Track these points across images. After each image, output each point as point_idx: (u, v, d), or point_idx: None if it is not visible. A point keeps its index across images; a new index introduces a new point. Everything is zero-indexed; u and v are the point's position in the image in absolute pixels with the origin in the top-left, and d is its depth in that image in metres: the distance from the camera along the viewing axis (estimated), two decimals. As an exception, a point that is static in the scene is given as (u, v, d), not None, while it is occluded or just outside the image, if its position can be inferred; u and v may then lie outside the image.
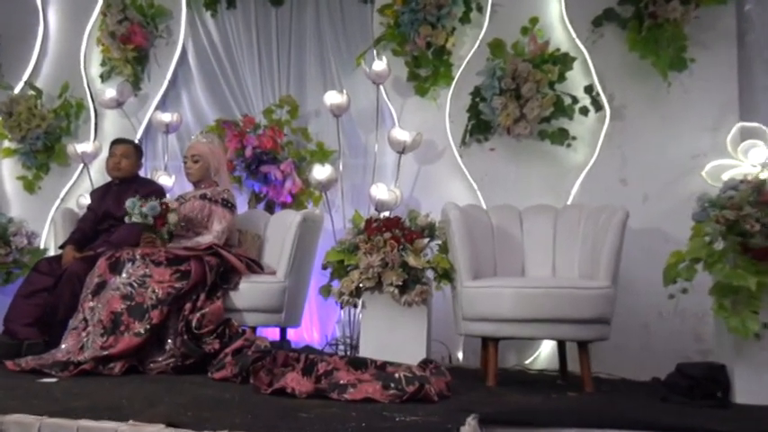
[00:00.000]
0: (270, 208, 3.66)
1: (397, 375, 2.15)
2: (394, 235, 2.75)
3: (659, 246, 3.17)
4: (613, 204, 2.78)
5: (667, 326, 3.16)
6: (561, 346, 2.93)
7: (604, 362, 3.05)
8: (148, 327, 2.61)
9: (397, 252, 2.71)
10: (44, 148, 4.01)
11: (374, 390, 2.10)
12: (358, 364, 2.32)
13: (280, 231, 3.19)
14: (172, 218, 2.84)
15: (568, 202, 3.29)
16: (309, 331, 3.60)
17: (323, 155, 3.67)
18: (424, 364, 2.37)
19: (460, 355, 3.37)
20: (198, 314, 2.69)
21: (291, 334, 3.53)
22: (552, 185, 3.37)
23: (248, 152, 3.61)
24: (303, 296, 3.23)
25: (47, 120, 3.95)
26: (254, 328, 2.90)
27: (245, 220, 3.43)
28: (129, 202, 2.86)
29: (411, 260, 2.70)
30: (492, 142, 3.48)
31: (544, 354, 3.30)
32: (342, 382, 2.16)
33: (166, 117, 3.82)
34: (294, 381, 2.14)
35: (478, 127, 3.46)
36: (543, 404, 2.15)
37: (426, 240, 2.82)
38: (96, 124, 4.06)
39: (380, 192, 3.37)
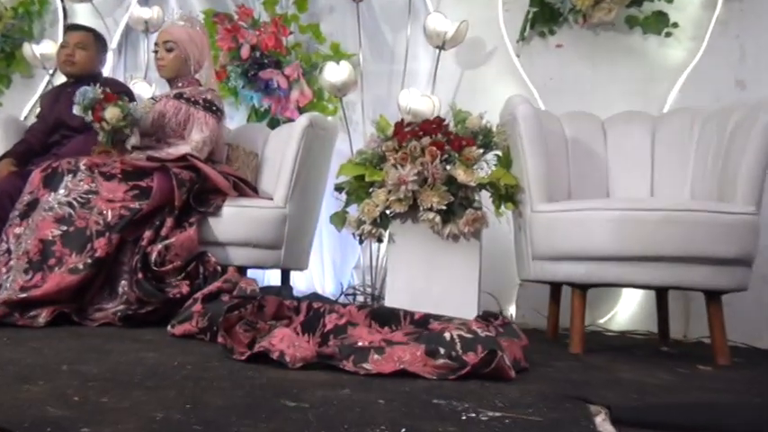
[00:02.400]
0: (273, 126, 2.78)
1: (447, 335, 1.29)
2: (435, 141, 1.86)
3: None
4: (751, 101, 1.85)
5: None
6: (662, 299, 2.04)
7: (700, 322, 2.21)
8: (90, 261, 1.78)
9: (439, 163, 1.82)
10: (3, 56, 3.16)
11: (413, 357, 1.24)
12: (386, 317, 1.46)
13: (282, 148, 2.31)
14: (110, 113, 1.97)
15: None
16: (321, 278, 2.75)
17: (339, 58, 2.76)
18: (485, 318, 1.50)
19: (513, 311, 2.51)
20: (160, 245, 1.84)
21: (299, 281, 2.69)
22: (641, 91, 2.43)
23: (244, 52, 2.71)
24: (311, 230, 2.36)
25: (3, 19, 3.08)
26: (241, 270, 2.05)
27: (238, 136, 2.56)
28: (80, 90, 2.04)
29: (460, 174, 1.81)
30: (560, 36, 2.54)
31: (623, 311, 2.42)
32: (360, 343, 1.31)
33: (146, 13, 2.94)
34: (285, 341, 1.29)
35: (543, 15, 2.52)
36: (682, 387, 1.28)
37: (480, 150, 1.92)
38: (65, 26, 3.18)
39: (412, 99, 2.47)
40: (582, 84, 2.49)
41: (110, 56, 3.13)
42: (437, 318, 1.43)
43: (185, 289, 1.79)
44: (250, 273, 2.22)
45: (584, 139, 2.15)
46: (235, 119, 2.91)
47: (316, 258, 2.62)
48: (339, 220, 2.00)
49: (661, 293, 2.02)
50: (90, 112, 1.99)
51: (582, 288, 1.72)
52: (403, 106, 2.48)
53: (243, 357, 1.27)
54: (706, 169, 1.90)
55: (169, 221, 1.90)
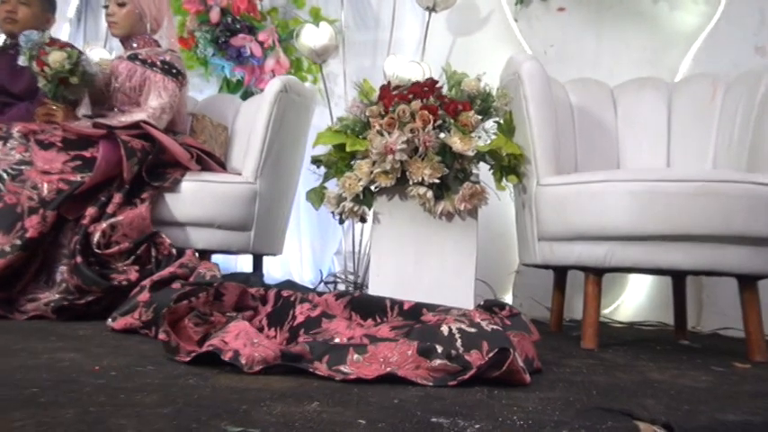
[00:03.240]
0: (247, 99, 2.49)
1: (445, 329, 1.02)
2: (427, 105, 1.59)
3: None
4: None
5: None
6: (678, 286, 1.80)
7: (712, 311, 2.00)
8: (19, 243, 1.48)
9: (432, 130, 1.55)
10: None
11: (402, 357, 0.97)
12: (369, 307, 1.19)
13: (254, 119, 2.02)
14: (53, 57, 1.69)
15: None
16: (299, 264, 2.47)
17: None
18: (488, 309, 1.23)
19: (509, 300, 2.26)
20: (105, 224, 1.55)
21: (274, 268, 2.41)
22: (651, 60, 2.18)
23: (214, 16, 2.42)
24: (286, 210, 2.08)
25: (-53, -21, 2.74)
26: (205, 254, 1.77)
27: (206, 107, 2.27)
28: (23, 33, 1.77)
29: (456, 143, 1.54)
30: (562, -1, 2.29)
31: (630, 300, 2.18)
32: (337, 340, 1.04)
33: (105, -26, 2.62)
34: (242, 338, 1.01)
35: (543, -25, 2.26)
36: (730, 390, 1.03)
37: (478, 117, 1.65)
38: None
39: (400, 66, 2.19)
40: (586, 51, 2.24)
41: (67, 25, 2.83)
42: (431, 308, 1.16)
43: (134, 275, 1.50)
44: (217, 259, 1.94)
45: (592, 108, 1.90)
46: (205, 92, 2.62)
47: (292, 242, 2.35)
48: (316, 196, 1.71)
49: (678, 280, 1.78)
50: (34, 63, 1.71)
51: (597, 273, 1.46)
52: (389, 74, 2.20)
53: (187, 359, 1.00)
54: (732, 139, 1.66)
55: (117, 197, 1.60)
